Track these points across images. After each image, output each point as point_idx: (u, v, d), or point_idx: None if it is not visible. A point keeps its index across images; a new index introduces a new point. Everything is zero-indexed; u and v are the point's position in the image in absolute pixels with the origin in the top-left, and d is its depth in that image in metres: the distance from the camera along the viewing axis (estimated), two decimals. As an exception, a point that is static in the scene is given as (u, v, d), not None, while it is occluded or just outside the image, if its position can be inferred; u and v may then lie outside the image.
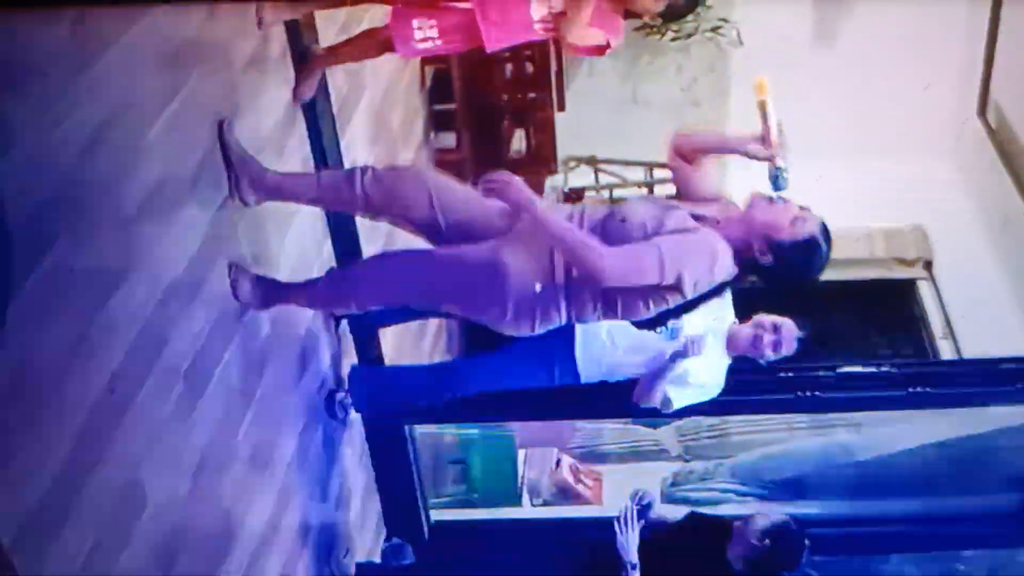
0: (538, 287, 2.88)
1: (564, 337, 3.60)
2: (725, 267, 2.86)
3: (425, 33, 3.23)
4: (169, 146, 2.68)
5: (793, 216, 2.82)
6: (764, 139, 2.83)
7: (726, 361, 3.68)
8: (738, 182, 3.07)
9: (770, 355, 3.59)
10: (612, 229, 2.86)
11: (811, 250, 2.84)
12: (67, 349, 2.24)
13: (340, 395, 3.94)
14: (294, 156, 3.54)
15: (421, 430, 4.69)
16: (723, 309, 3.66)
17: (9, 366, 2.03)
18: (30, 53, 2.12)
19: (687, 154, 2.99)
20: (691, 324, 3.53)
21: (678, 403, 3.67)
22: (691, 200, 2.98)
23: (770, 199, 2.85)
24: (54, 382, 2.20)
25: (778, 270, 2.86)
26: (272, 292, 3.17)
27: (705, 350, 3.54)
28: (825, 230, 2.85)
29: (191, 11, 2.81)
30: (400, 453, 4.55)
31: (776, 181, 2.84)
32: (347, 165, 3.90)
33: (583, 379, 3.70)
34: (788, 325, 3.59)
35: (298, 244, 3.58)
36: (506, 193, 2.85)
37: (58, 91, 2.21)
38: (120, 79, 2.42)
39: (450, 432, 5.13)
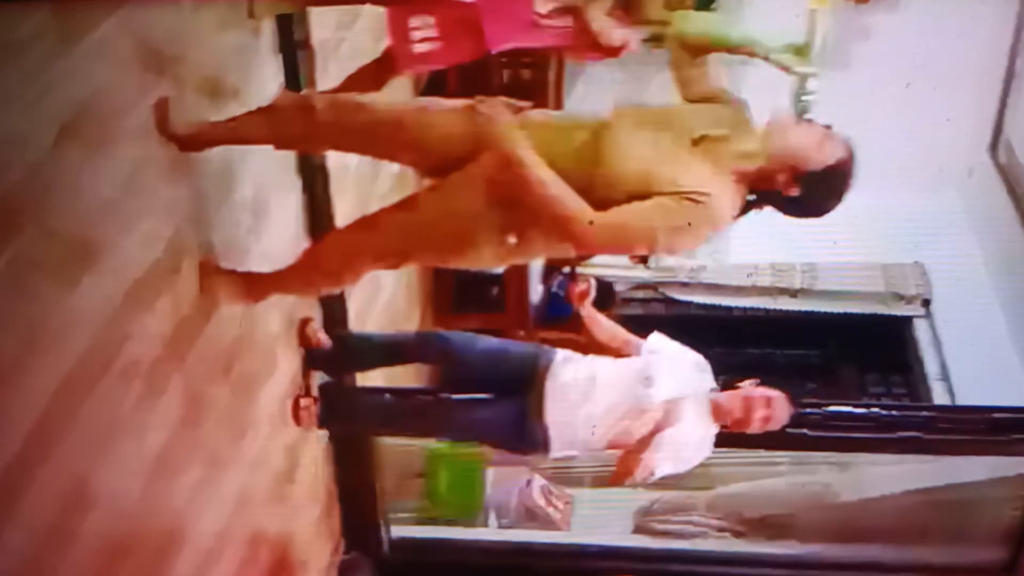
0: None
1: (533, 399, 3.59)
2: (729, 214, 2.73)
3: (424, 32, 3.19)
4: (144, 138, 2.68)
5: (821, 138, 2.68)
6: (804, 50, 2.83)
7: (713, 430, 3.58)
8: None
9: (758, 430, 3.54)
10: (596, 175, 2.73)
11: (843, 177, 2.68)
12: (25, 342, 2.24)
13: (304, 401, 3.95)
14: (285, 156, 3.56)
15: (386, 441, 4.71)
16: (702, 374, 3.64)
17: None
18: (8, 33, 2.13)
19: (689, 48, 2.90)
20: (665, 387, 3.51)
21: (662, 472, 3.55)
22: (691, 100, 2.88)
23: (794, 119, 2.75)
24: (8, 375, 2.20)
25: (803, 200, 2.71)
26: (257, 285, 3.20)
27: (685, 418, 3.50)
28: (852, 150, 2.68)
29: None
30: (363, 464, 4.55)
31: (803, 104, 2.71)
32: (333, 168, 3.92)
33: (553, 449, 3.64)
34: (780, 401, 3.54)
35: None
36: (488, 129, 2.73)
37: (32, 76, 2.22)
38: (98, 66, 2.43)
39: (417, 444, 5.15)
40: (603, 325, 3.78)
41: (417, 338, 4.05)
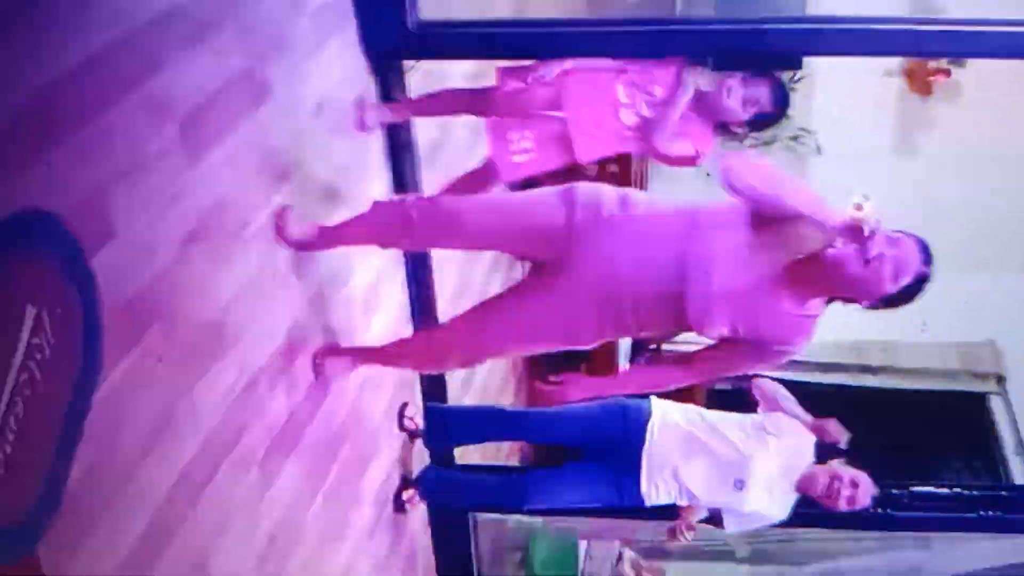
0: None
1: (631, 460, 3.55)
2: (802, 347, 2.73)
3: (521, 145, 3.23)
4: (266, 240, 2.71)
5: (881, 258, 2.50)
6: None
7: (793, 498, 3.54)
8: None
9: (843, 508, 3.44)
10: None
11: (918, 288, 2.53)
12: (148, 434, 2.23)
13: (408, 493, 3.93)
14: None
15: (484, 515, 4.62)
16: (803, 446, 3.55)
17: (93, 450, 2.02)
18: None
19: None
20: (753, 499, 3.48)
21: (732, 529, 3.63)
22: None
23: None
24: (134, 464, 2.18)
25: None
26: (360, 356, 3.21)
27: (758, 496, 3.48)
28: (926, 250, 2.53)
29: (295, 109, 2.85)
30: (461, 540, 4.46)
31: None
32: (433, 254, 3.91)
33: (647, 502, 3.61)
34: (865, 482, 3.45)
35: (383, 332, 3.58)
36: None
37: (162, 186, 2.23)
38: (223, 176, 2.46)
39: (514, 517, 5.04)
40: None
41: (504, 416, 3.98)
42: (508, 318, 2.89)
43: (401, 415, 3.89)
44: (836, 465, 3.50)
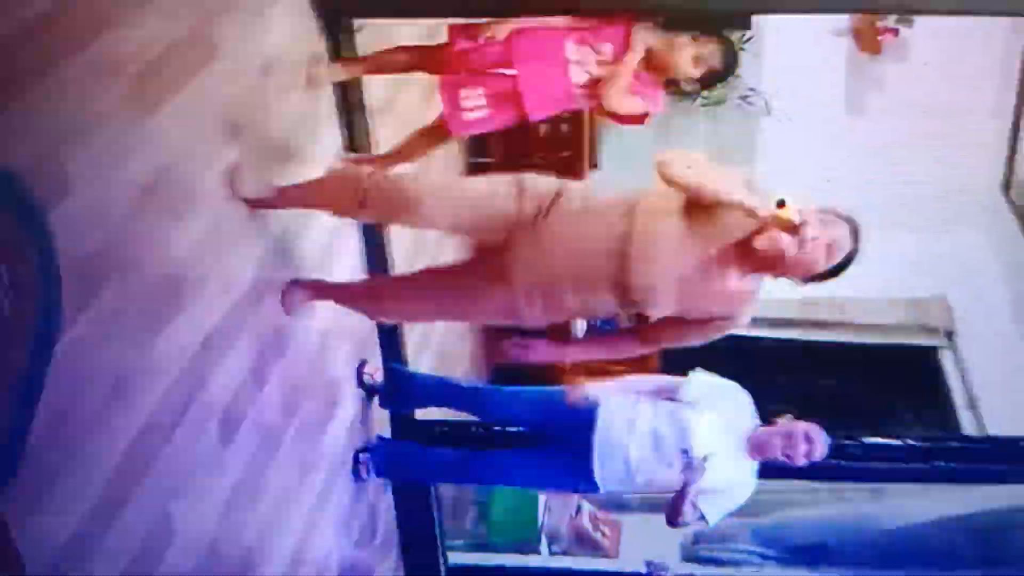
0: None
1: (583, 446, 3.61)
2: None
3: (474, 102, 3.29)
4: (219, 195, 2.74)
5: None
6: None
7: (752, 464, 3.59)
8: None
9: (803, 463, 3.52)
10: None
11: (846, 265, 2.68)
12: (110, 388, 2.28)
13: (364, 456, 3.98)
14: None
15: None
16: (742, 412, 3.63)
17: (54, 403, 2.07)
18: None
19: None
20: (701, 443, 3.51)
21: (713, 517, 3.60)
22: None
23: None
24: (95, 418, 2.23)
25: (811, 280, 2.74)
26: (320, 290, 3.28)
27: (722, 469, 3.51)
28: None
29: (245, 68, 2.89)
30: (422, 499, 4.54)
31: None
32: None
33: (602, 488, 3.68)
34: (819, 433, 3.51)
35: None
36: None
37: (116, 143, 2.27)
38: (174, 133, 2.49)
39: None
40: (643, 381, 3.81)
41: (461, 391, 4.09)
42: (450, 295, 3.02)
43: (360, 372, 3.95)
44: (785, 422, 3.56)
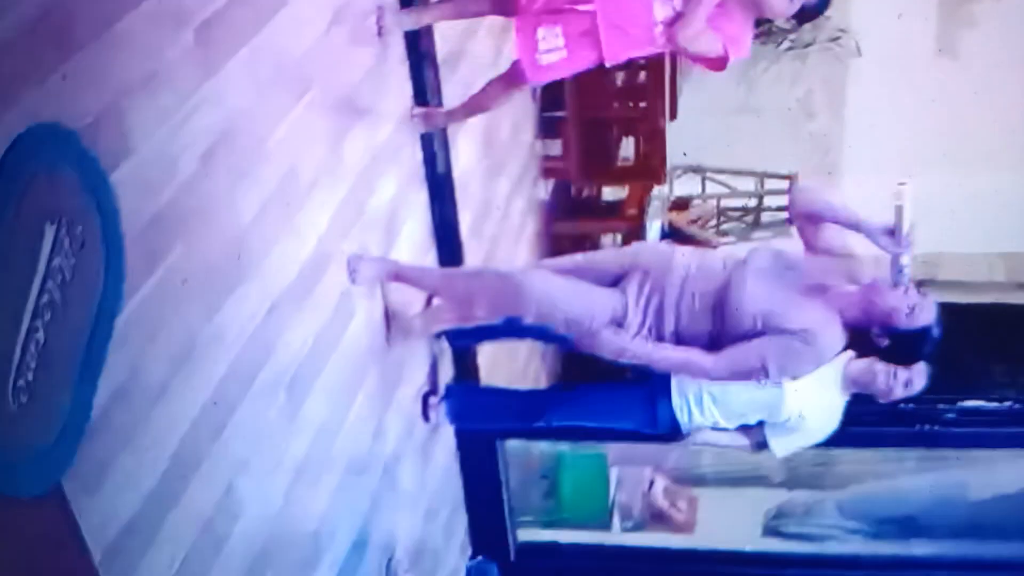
0: None
1: (661, 382, 3.61)
2: (832, 351, 3.10)
3: (551, 43, 3.18)
4: (287, 154, 2.68)
5: (912, 305, 2.95)
6: (895, 235, 2.90)
7: (841, 400, 3.58)
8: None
9: (900, 393, 3.48)
10: (727, 313, 3.05)
11: (926, 337, 3.03)
12: (174, 359, 2.24)
13: (433, 399, 3.96)
14: (407, 163, 3.57)
15: (512, 444, 4.65)
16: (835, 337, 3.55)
17: (118, 374, 2.03)
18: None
19: (810, 215, 3.09)
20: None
21: (782, 451, 3.68)
22: (817, 253, 3.11)
23: (892, 285, 2.97)
24: (159, 391, 2.20)
25: (893, 349, 3.10)
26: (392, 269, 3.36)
27: (805, 393, 3.51)
28: (939, 316, 3.02)
29: (313, 17, 2.82)
30: (490, 470, 4.52)
31: (899, 275, 2.96)
32: (456, 173, 3.91)
33: (680, 418, 3.66)
34: (918, 366, 3.47)
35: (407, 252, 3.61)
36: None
37: (179, 98, 2.21)
38: (241, 88, 2.43)
39: (541, 446, 5.07)
40: None
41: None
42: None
43: (425, 404, 3.95)
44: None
